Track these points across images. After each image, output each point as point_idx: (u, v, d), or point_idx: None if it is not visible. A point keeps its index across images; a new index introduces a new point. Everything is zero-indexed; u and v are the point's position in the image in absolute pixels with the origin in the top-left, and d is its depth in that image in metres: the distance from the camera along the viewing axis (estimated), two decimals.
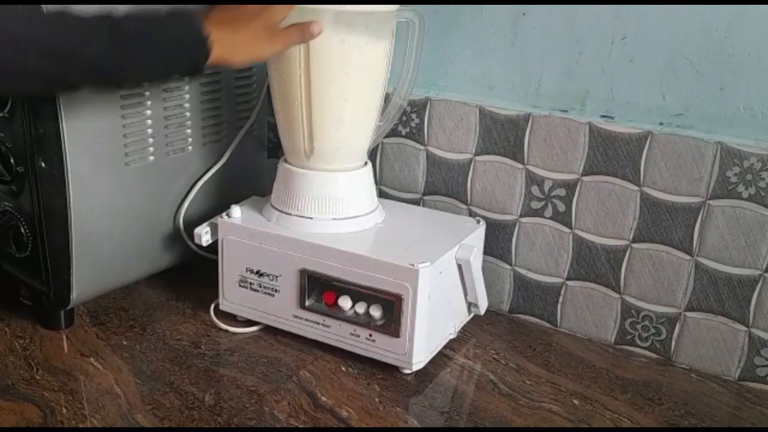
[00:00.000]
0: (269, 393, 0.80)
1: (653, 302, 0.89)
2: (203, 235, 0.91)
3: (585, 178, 0.90)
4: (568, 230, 0.93)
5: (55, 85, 0.70)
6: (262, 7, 0.76)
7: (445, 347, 0.89)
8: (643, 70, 0.86)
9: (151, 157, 0.93)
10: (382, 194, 1.05)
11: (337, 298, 0.85)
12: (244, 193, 1.00)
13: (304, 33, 0.78)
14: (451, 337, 0.90)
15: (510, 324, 0.98)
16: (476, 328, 0.95)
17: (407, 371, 0.84)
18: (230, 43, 0.74)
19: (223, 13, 0.75)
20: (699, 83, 0.83)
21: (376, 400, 0.80)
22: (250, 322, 0.92)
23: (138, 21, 0.70)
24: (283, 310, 0.88)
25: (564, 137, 0.90)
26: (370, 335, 0.84)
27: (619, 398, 0.82)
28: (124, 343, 0.89)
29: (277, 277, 0.88)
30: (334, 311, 0.85)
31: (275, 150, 1.11)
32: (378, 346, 0.84)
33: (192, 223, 0.96)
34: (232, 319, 0.93)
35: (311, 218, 0.88)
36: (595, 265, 0.92)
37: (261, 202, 0.95)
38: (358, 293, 0.84)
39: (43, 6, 0.69)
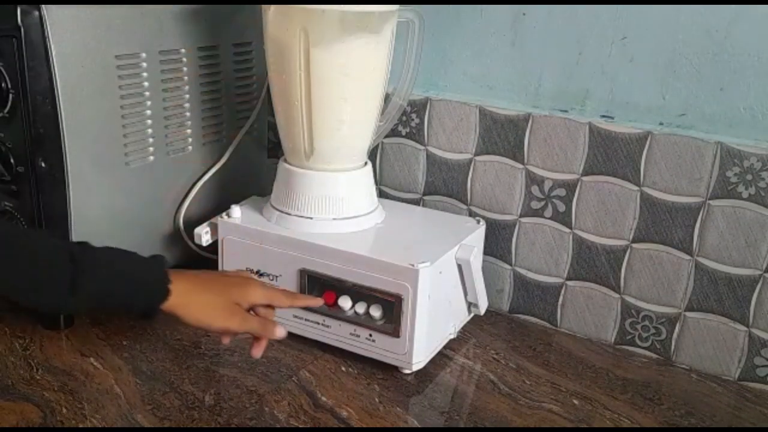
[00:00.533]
0: (269, 393, 0.80)
1: (653, 302, 0.89)
2: (203, 235, 0.91)
3: (585, 178, 0.90)
4: (568, 230, 0.93)
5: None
6: (242, 282, 0.76)
7: (445, 347, 0.89)
8: (643, 70, 0.86)
9: (151, 157, 0.93)
10: (382, 194, 1.05)
11: (337, 298, 0.85)
12: (244, 193, 1.00)
13: (265, 330, 0.75)
14: (451, 337, 0.90)
15: (510, 324, 0.98)
16: (476, 328, 0.95)
17: (407, 371, 0.84)
18: (190, 299, 0.72)
19: (197, 271, 0.75)
20: (699, 83, 0.83)
21: (376, 400, 0.80)
22: None
23: (100, 256, 0.69)
24: (283, 310, 0.88)
25: (564, 137, 0.91)
26: (370, 335, 0.84)
27: (619, 398, 0.82)
28: (124, 343, 0.89)
29: (277, 277, 0.88)
30: (334, 311, 0.85)
31: (275, 150, 1.11)
32: (378, 346, 0.84)
33: (192, 223, 0.96)
34: None
35: (311, 218, 0.88)
36: (595, 265, 0.92)
37: (261, 202, 0.95)
38: (358, 293, 0.84)
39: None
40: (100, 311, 0.70)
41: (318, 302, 0.83)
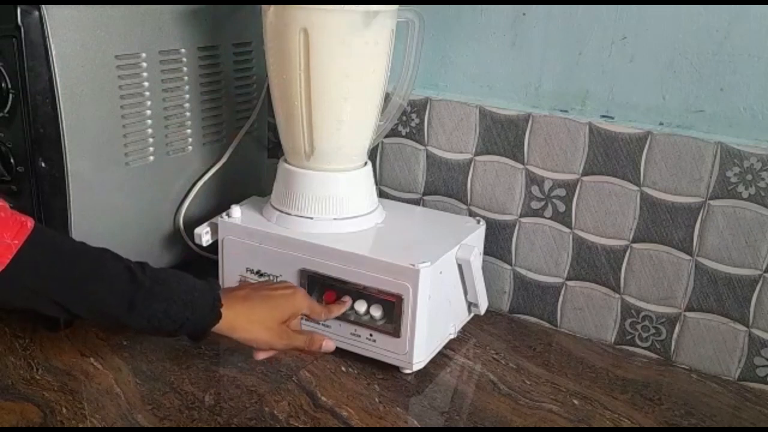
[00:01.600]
0: (269, 393, 0.80)
1: (653, 302, 0.90)
2: (203, 235, 0.91)
3: (585, 178, 0.90)
4: (568, 230, 0.93)
5: (61, 313, 0.69)
6: (289, 296, 0.78)
7: (445, 347, 0.89)
8: (643, 70, 0.86)
9: (151, 157, 0.93)
10: (382, 194, 1.05)
11: (338, 298, 0.85)
12: (244, 193, 1.00)
13: (312, 344, 0.78)
14: (452, 337, 0.90)
15: (510, 324, 0.98)
16: (476, 328, 0.95)
17: (407, 371, 0.84)
18: (239, 321, 0.74)
19: (246, 291, 0.77)
20: (699, 83, 0.83)
21: (376, 400, 0.80)
22: None
23: (158, 272, 0.71)
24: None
25: (564, 137, 0.91)
26: (371, 335, 0.84)
27: (619, 398, 0.82)
28: (124, 343, 0.89)
29: (277, 277, 0.88)
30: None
31: (275, 150, 1.11)
32: (378, 346, 0.84)
33: (192, 223, 0.96)
34: None
35: (311, 218, 0.88)
36: (595, 265, 0.92)
37: (261, 202, 0.95)
38: (358, 293, 0.84)
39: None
40: (150, 332, 0.72)
41: (345, 305, 0.84)
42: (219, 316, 0.72)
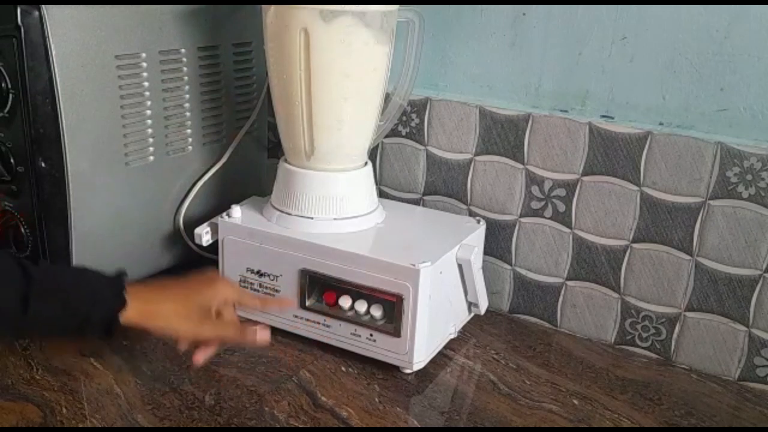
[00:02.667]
0: (269, 393, 0.80)
1: (653, 302, 0.90)
2: (203, 235, 0.91)
3: (585, 178, 0.90)
4: (568, 230, 0.93)
5: None
6: (208, 282, 0.73)
7: (445, 347, 0.89)
8: (643, 70, 0.86)
9: (151, 157, 0.93)
10: (382, 194, 1.05)
11: (338, 298, 0.85)
12: (244, 193, 1.00)
13: (244, 335, 0.72)
14: (452, 336, 0.90)
15: (510, 324, 0.98)
16: (476, 328, 0.95)
17: (408, 371, 0.84)
18: (152, 308, 0.69)
19: (160, 281, 0.72)
20: (699, 83, 0.84)
21: (376, 400, 0.80)
22: (250, 322, 0.92)
23: (53, 267, 0.67)
24: (284, 310, 0.88)
25: (564, 137, 0.91)
26: (371, 335, 0.84)
27: (619, 398, 0.82)
28: (124, 343, 0.88)
29: (277, 277, 0.88)
30: (334, 311, 0.85)
31: (275, 150, 1.11)
32: (379, 346, 0.84)
33: (192, 223, 0.96)
34: None
35: (311, 218, 0.88)
36: (595, 265, 0.92)
37: (261, 202, 0.95)
38: (358, 293, 0.84)
39: None
40: (54, 334, 0.66)
41: (289, 302, 0.81)
42: (124, 302, 0.66)
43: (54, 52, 0.79)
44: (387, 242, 0.87)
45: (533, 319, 0.98)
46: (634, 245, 0.89)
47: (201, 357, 0.74)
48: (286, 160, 0.91)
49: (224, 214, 0.91)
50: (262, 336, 0.73)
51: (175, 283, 0.72)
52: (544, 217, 0.94)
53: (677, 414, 0.80)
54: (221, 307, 0.74)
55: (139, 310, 0.68)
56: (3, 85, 0.80)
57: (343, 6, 0.79)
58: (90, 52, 0.83)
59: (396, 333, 0.82)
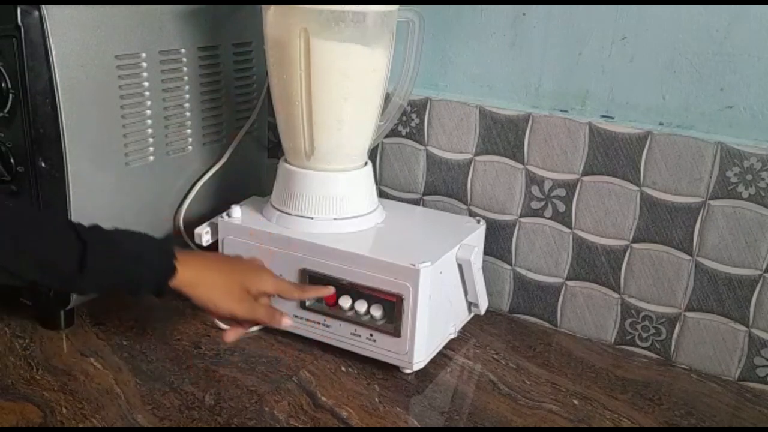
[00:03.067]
0: (269, 393, 0.80)
1: (653, 302, 0.90)
2: (204, 235, 0.91)
3: (585, 178, 0.90)
4: (568, 230, 0.93)
5: (14, 281, 0.67)
6: (255, 269, 0.76)
7: (445, 347, 0.89)
8: (643, 70, 0.86)
9: (151, 157, 0.93)
10: (382, 194, 1.05)
11: (338, 298, 0.85)
12: (244, 193, 1.00)
13: (273, 319, 0.76)
14: (452, 336, 0.90)
15: (510, 324, 0.98)
16: (476, 328, 0.95)
17: (408, 371, 0.84)
18: (199, 278, 0.72)
19: (209, 253, 0.75)
20: (699, 83, 0.84)
21: (376, 400, 0.80)
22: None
23: (106, 231, 0.69)
24: (284, 310, 0.88)
25: (564, 137, 0.91)
26: (371, 335, 0.84)
27: (619, 398, 0.82)
28: (124, 343, 0.89)
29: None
30: (334, 311, 0.85)
31: (275, 150, 1.11)
32: (379, 346, 0.84)
33: (192, 223, 0.96)
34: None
35: (312, 218, 0.88)
36: (595, 265, 0.92)
37: (261, 202, 0.95)
38: (358, 293, 0.84)
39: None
40: (109, 292, 0.69)
41: (329, 290, 0.82)
42: (173, 270, 0.70)
43: (54, 52, 0.79)
44: (387, 242, 0.87)
45: (533, 319, 0.98)
46: (634, 245, 0.89)
47: (232, 336, 0.78)
48: (286, 160, 0.91)
49: (224, 214, 0.91)
50: (286, 321, 0.77)
51: (222, 258, 0.76)
52: (544, 217, 0.94)
53: (677, 414, 0.80)
54: (259, 294, 0.77)
55: (186, 276, 0.71)
56: (3, 85, 0.80)
57: (343, 6, 0.79)
58: (90, 52, 0.83)
59: (396, 333, 0.82)
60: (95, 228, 0.69)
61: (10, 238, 0.65)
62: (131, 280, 0.69)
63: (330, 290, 0.83)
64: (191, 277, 0.72)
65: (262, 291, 0.77)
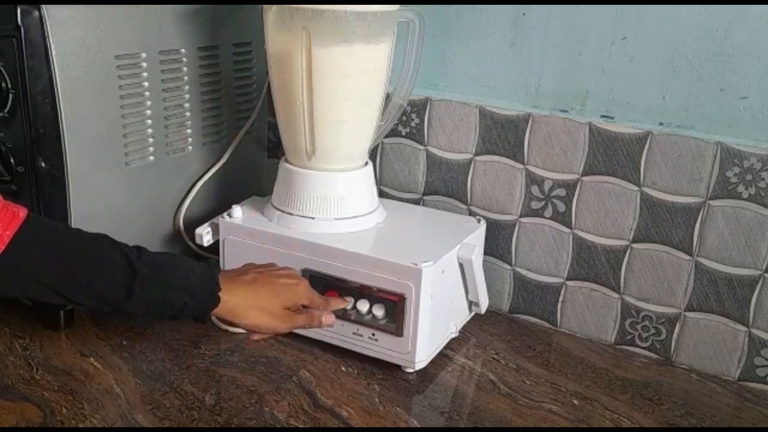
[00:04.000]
0: (269, 393, 0.80)
1: (653, 302, 0.90)
2: (204, 235, 0.91)
3: (585, 178, 0.90)
4: (568, 230, 0.93)
5: (61, 300, 0.69)
6: (293, 285, 0.77)
7: (445, 347, 0.89)
8: (643, 70, 0.86)
9: (151, 157, 0.93)
10: (382, 194, 1.05)
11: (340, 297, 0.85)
12: (244, 193, 1.00)
13: (313, 322, 0.79)
14: (453, 336, 0.90)
15: (510, 324, 0.98)
16: (476, 328, 0.95)
17: (410, 370, 0.84)
18: (242, 306, 0.74)
19: (251, 276, 0.76)
20: (699, 83, 0.84)
21: (376, 400, 0.80)
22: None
23: (155, 257, 0.71)
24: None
25: (564, 137, 0.91)
26: (373, 334, 0.84)
27: (619, 398, 0.82)
28: (124, 343, 0.88)
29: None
30: (336, 311, 0.85)
31: (275, 150, 1.11)
32: (381, 345, 0.84)
33: (192, 223, 0.96)
34: None
35: (313, 218, 0.88)
36: (595, 265, 0.92)
37: (261, 202, 0.95)
38: (360, 293, 0.84)
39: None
40: (152, 316, 0.72)
41: (346, 303, 0.84)
42: (217, 301, 0.72)
43: (54, 52, 0.79)
44: (388, 242, 0.87)
45: (533, 319, 0.98)
46: (634, 245, 0.89)
47: (257, 337, 0.79)
48: (286, 160, 0.91)
49: (225, 214, 0.91)
50: (328, 319, 0.80)
51: (264, 283, 0.76)
52: (544, 217, 0.94)
53: (677, 414, 0.80)
54: (296, 307, 0.79)
55: (229, 308, 0.73)
56: (3, 85, 0.79)
57: (343, 6, 0.79)
58: (90, 52, 0.83)
59: (398, 332, 0.82)
60: (143, 252, 0.70)
61: (61, 262, 0.66)
62: (175, 308, 0.71)
63: (347, 302, 0.84)
64: (234, 306, 0.73)
65: (299, 305, 0.78)
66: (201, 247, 0.94)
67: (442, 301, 0.85)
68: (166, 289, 0.69)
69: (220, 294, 0.72)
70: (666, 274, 0.88)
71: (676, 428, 0.78)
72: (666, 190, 0.86)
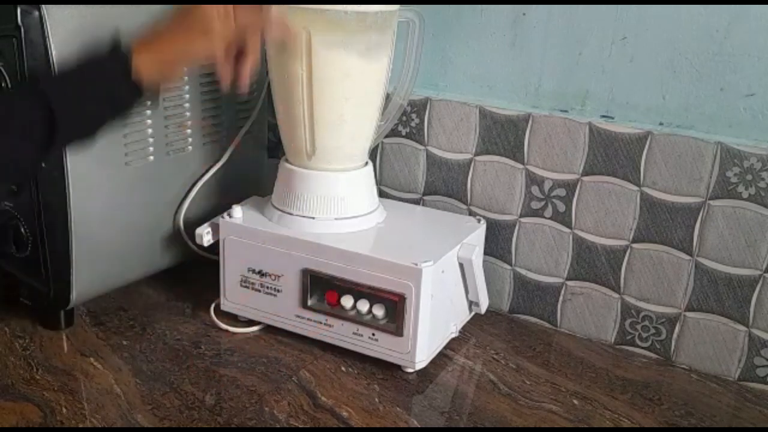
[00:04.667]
0: (269, 393, 0.80)
1: (653, 302, 0.90)
2: (204, 235, 0.91)
3: (585, 178, 0.91)
4: (568, 230, 0.93)
5: None
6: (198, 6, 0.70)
7: (445, 347, 0.89)
8: (643, 70, 0.86)
9: (151, 157, 0.93)
10: (382, 194, 1.05)
11: (340, 297, 0.85)
12: (244, 193, 1.00)
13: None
14: (453, 335, 0.90)
15: (510, 324, 0.98)
16: (476, 328, 0.95)
17: (410, 370, 0.84)
18: (157, 58, 0.69)
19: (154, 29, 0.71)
20: (699, 83, 0.84)
21: (376, 400, 0.80)
22: (250, 322, 0.92)
23: (65, 80, 0.67)
24: (286, 310, 0.88)
25: (564, 137, 0.91)
26: (373, 334, 0.84)
27: (619, 398, 0.82)
28: (124, 343, 0.88)
29: (279, 277, 0.88)
30: (336, 311, 0.85)
31: (275, 150, 1.11)
32: (381, 345, 0.84)
33: (192, 223, 0.96)
34: (232, 318, 0.93)
35: (313, 218, 0.88)
36: (595, 265, 0.92)
37: (262, 202, 0.95)
38: (360, 293, 0.84)
39: None
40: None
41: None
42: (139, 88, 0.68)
43: (54, 52, 0.79)
44: (388, 242, 0.87)
45: (533, 319, 0.99)
46: (634, 245, 0.89)
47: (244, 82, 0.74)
48: (287, 160, 0.91)
49: (225, 214, 0.91)
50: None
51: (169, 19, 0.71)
52: (544, 217, 0.94)
53: (677, 414, 0.80)
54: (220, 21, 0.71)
55: (148, 73, 0.68)
56: (3, 85, 0.79)
57: (344, 6, 0.80)
58: None
59: (398, 332, 0.82)
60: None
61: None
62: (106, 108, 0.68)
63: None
64: (152, 70, 0.68)
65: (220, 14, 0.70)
66: (201, 247, 0.94)
67: (442, 301, 0.85)
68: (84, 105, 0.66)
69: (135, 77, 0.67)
70: (666, 274, 0.88)
71: (676, 428, 0.78)
72: (666, 190, 0.86)
